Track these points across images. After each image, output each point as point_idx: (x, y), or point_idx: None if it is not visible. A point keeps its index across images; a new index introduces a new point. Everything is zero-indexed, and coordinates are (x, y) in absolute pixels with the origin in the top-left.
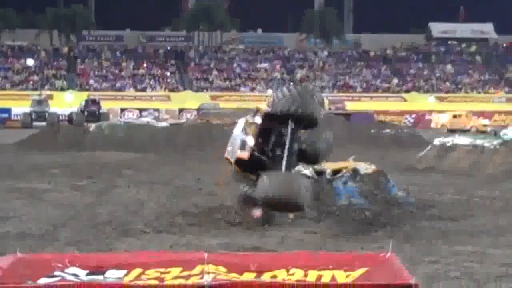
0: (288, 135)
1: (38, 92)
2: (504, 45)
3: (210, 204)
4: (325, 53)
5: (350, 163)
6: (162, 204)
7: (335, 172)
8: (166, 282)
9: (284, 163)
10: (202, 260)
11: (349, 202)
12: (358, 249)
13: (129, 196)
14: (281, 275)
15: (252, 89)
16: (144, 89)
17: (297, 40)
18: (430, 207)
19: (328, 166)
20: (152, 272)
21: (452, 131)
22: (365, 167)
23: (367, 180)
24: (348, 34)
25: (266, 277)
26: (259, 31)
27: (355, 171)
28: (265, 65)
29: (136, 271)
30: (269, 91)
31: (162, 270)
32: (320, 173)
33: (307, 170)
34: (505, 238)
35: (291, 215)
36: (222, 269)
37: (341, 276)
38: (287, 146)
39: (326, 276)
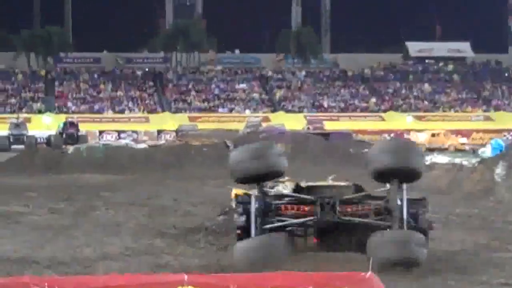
0: None
1: (16, 115)
2: (481, 63)
3: (189, 225)
4: (303, 73)
5: (328, 182)
6: (141, 225)
7: None
8: None
9: None
10: (182, 282)
11: None
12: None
13: (107, 218)
14: None
15: (231, 110)
16: (122, 111)
17: (275, 60)
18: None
19: (305, 185)
20: None
21: (430, 150)
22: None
23: None
24: (326, 53)
25: None
26: (237, 51)
27: None
28: (243, 85)
29: None
30: (248, 112)
31: None
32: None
33: (286, 190)
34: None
35: None
36: None
37: None
38: None
39: None
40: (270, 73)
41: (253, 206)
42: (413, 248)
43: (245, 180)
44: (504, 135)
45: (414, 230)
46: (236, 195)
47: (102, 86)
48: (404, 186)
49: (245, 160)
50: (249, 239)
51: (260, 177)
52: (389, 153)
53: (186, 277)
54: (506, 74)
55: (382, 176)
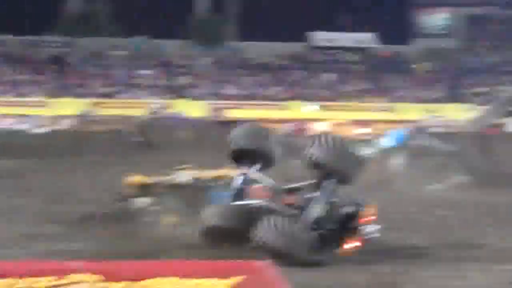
0: None
1: None
2: (384, 55)
3: (85, 211)
4: (208, 60)
5: (229, 171)
6: (36, 211)
7: (214, 179)
8: None
9: None
10: (77, 269)
11: None
12: (235, 257)
13: (0, 204)
14: (157, 284)
15: (133, 96)
16: (23, 95)
17: (180, 46)
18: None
19: (207, 174)
20: (22, 282)
21: None
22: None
23: None
24: (231, 41)
25: (141, 285)
26: (142, 37)
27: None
28: (146, 71)
29: (6, 282)
30: (150, 98)
31: (33, 280)
32: (199, 181)
33: (185, 178)
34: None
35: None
36: (97, 277)
37: (217, 285)
38: None
39: (202, 284)
40: (174, 60)
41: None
42: (279, 237)
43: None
44: (405, 126)
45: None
46: (134, 182)
47: (3, 69)
48: (257, 166)
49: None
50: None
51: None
52: (240, 136)
53: (81, 263)
54: (408, 66)
55: (235, 157)
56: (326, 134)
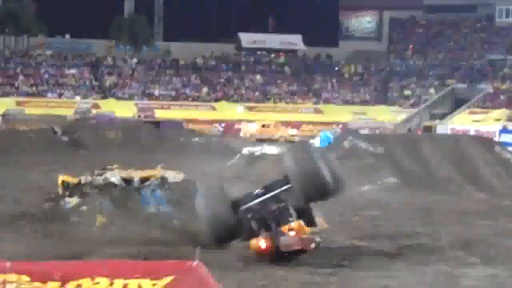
0: None
1: None
2: (312, 56)
3: (14, 212)
4: (135, 60)
5: (158, 171)
6: None
7: (143, 180)
8: None
9: None
10: (5, 269)
11: (158, 210)
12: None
13: None
14: (86, 284)
15: (60, 95)
16: None
17: (106, 46)
18: None
19: (135, 174)
20: None
21: (261, 141)
22: (173, 175)
23: (176, 188)
24: (158, 42)
25: (70, 287)
26: (67, 36)
27: (163, 179)
28: (73, 71)
29: None
30: (77, 98)
31: None
32: (128, 181)
33: (114, 178)
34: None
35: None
36: (25, 278)
37: (148, 285)
38: None
39: (132, 285)
40: (101, 60)
41: None
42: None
43: None
44: (333, 128)
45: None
46: (63, 182)
47: None
48: None
49: None
50: None
51: None
52: None
53: (8, 264)
54: (336, 68)
55: None
56: (307, 147)
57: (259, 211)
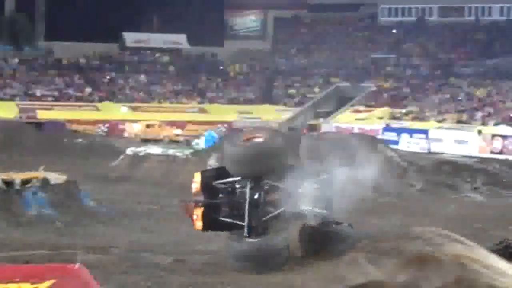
0: None
1: None
2: (197, 56)
3: None
4: (16, 60)
5: (40, 173)
6: None
7: (25, 182)
8: None
9: None
10: None
11: (39, 213)
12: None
13: None
14: None
15: None
16: None
17: None
18: (124, 216)
19: (17, 176)
20: None
21: (145, 141)
22: (55, 177)
23: (58, 190)
24: (40, 41)
25: None
26: None
27: (45, 181)
28: None
29: None
30: None
31: None
32: (9, 183)
33: None
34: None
35: None
36: None
37: None
38: None
39: None
40: None
41: None
42: None
43: None
44: (218, 127)
45: None
46: None
47: None
48: None
49: None
50: None
51: None
52: None
53: None
54: (221, 67)
55: None
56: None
57: None
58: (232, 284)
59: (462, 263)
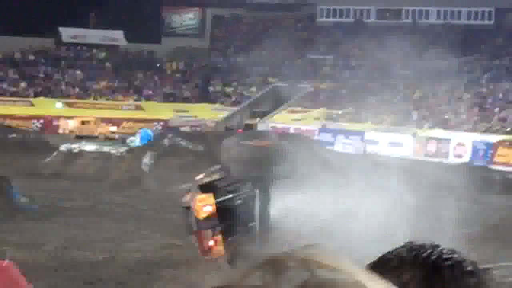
0: None
1: None
2: (134, 52)
3: None
4: None
5: None
6: None
7: None
8: None
9: None
10: None
11: None
12: None
13: None
14: None
15: None
16: None
17: None
18: (57, 213)
19: None
20: None
21: (80, 137)
22: None
23: None
24: None
25: None
26: None
27: None
28: None
29: None
30: None
31: None
32: None
33: None
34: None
35: None
36: None
37: None
38: None
39: None
40: None
41: None
42: None
43: None
44: (154, 125)
45: None
46: None
47: None
48: None
49: None
50: None
51: None
52: None
53: None
54: (158, 65)
55: None
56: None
57: None
58: (173, 279)
59: (310, 267)
